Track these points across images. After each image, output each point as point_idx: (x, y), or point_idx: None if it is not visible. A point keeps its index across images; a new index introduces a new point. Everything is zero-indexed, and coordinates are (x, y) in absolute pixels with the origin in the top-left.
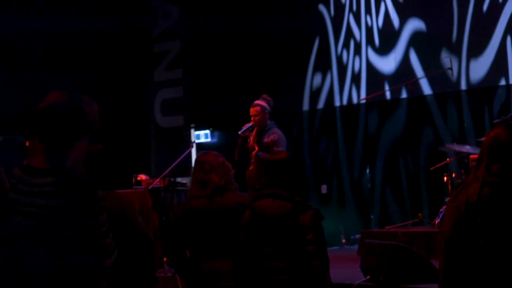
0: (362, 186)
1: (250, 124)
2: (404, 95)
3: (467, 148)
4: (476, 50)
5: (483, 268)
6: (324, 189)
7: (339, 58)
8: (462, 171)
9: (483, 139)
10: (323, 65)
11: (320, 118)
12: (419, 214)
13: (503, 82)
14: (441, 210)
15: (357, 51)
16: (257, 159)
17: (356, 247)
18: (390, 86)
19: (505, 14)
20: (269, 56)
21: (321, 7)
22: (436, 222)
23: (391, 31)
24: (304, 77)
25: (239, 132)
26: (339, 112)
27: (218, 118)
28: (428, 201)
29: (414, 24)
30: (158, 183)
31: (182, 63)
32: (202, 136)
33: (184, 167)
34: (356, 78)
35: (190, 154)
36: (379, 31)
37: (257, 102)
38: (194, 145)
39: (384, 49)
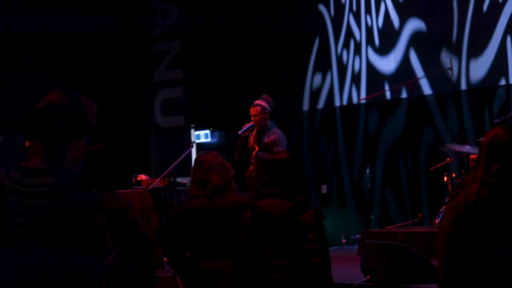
0: (362, 186)
1: (250, 124)
2: (404, 95)
3: (467, 148)
4: (476, 50)
5: (482, 268)
6: (324, 189)
7: (339, 58)
8: (462, 171)
9: (482, 139)
10: (323, 65)
11: (320, 118)
12: (419, 214)
13: (503, 82)
14: (441, 210)
15: (357, 51)
16: (257, 159)
17: (356, 247)
18: (390, 86)
19: (505, 14)
20: (269, 56)
21: (321, 7)
22: (436, 222)
23: (391, 31)
24: (304, 77)
25: (239, 132)
26: (339, 112)
27: (218, 118)
28: (428, 201)
29: (414, 24)
30: (158, 183)
31: (182, 63)
32: (202, 136)
33: (184, 167)
34: (356, 78)
35: (190, 154)
36: (379, 31)
37: (257, 102)
38: (194, 145)
39: (384, 49)
